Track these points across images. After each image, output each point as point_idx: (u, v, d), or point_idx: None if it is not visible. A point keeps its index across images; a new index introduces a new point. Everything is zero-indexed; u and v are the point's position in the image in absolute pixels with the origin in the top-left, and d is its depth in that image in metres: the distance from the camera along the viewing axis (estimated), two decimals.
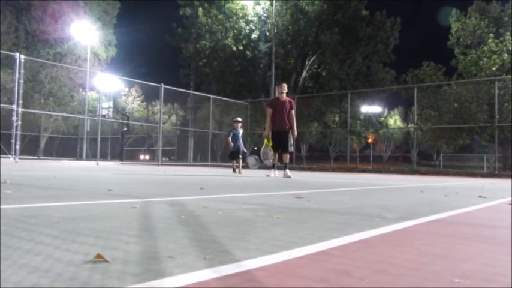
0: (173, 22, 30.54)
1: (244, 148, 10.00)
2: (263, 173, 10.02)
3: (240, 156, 9.74)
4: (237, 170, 9.43)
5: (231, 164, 9.94)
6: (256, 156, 9.43)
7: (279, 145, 7.77)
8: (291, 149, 7.98)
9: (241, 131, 9.89)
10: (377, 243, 1.43)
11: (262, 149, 7.84)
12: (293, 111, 7.77)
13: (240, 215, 2.07)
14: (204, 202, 2.63)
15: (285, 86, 7.93)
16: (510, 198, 3.70)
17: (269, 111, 7.83)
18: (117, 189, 3.56)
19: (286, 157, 7.76)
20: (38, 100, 28.79)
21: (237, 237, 1.46)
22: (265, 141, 7.76)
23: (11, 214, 1.84)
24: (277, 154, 7.84)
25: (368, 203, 2.95)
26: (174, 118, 37.95)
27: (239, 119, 9.98)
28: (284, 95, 7.83)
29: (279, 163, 7.94)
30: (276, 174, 7.67)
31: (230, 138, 9.68)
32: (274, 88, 22.40)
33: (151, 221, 1.77)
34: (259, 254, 1.19)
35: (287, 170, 7.62)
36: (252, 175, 8.21)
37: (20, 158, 13.69)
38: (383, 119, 37.01)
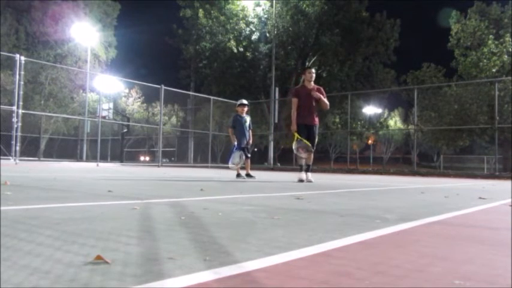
0: (173, 23, 30.60)
1: (250, 141, 7.59)
2: (266, 175, 9.99)
3: (249, 155, 7.46)
4: (242, 173, 7.23)
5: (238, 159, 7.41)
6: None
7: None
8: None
9: (248, 118, 7.61)
10: (377, 244, 1.43)
11: (294, 144, 6.60)
12: (325, 99, 6.65)
13: (240, 216, 2.06)
14: (204, 203, 2.63)
15: (313, 71, 6.75)
16: (510, 200, 3.69)
17: (294, 101, 6.66)
18: (117, 190, 3.56)
19: (310, 157, 6.66)
20: (39, 101, 28.85)
21: (237, 238, 1.46)
22: (296, 135, 6.57)
23: (11, 215, 1.84)
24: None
25: (368, 204, 2.95)
26: (174, 119, 38.01)
27: (244, 101, 7.72)
28: (312, 82, 6.66)
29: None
30: (308, 177, 6.50)
31: (232, 130, 7.53)
32: (275, 89, 22.43)
33: (151, 222, 1.77)
34: (260, 255, 1.19)
35: (309, 174, 6.56)
36: (255, 178, 8.12)
37: (20, 160, 13.69)
38: (383, 120, 37.05)
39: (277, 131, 22.54)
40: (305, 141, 6.45)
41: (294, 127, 6.63)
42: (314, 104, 6.64)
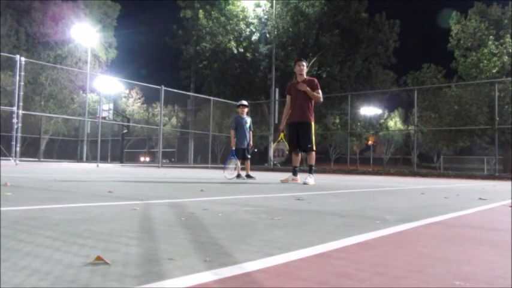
0: (174, 24, 30.68)
1: (251, 142, 7.59)
2: (266, 176, 9.98)
3: (248, 156, 7.45)
4: (242, 174, 7.28)
5: (234, 166, 7.49)
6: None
7: (297, 141, 6.05)
8: (314, 145, 6.09)
9: (248, 119, 7.61)
10: (377, 245, 1.43)
11: (274, 145, 6.36)
12: (318, 91, 6.05)
13: (241, 217, 2.06)
14: (204, 204, 2.63)
15: (303, 63, 6.19)
16: (510, 201, 3.69)
17: (288, 99, 6.22)
18: (118, 191, 3.56)
19: (311, 157, 6.06)
20: (39, 102, 28.87)
21: (238, 239, 1.46)
22: (280, 136, 6.27)
23: (11, 216, 1.84)
24: (299, 155, 6.24)
25: (368, 205, 2.95)
26: (174, 120, 38.02)
27: (245, 102, 7.66)
28: (304, 75, 6.15)
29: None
30: (296, 179, 6.09)
31: (233, 132, 7.46)
32: (275, 90, 22.44)
33: (151, 223, 1.77)
34: (260, 256, 1.19)
35: (310, 176, 5.89)
36: (256, 179, 8.10)
37: (20, 160, 13.70)
38: (383, 120, 37.06)
39: (277, 132, 22.53)
40: (285, 142, 6.16)
41: (281, 126, 6.39)
42: (307, 99, 6.03)
